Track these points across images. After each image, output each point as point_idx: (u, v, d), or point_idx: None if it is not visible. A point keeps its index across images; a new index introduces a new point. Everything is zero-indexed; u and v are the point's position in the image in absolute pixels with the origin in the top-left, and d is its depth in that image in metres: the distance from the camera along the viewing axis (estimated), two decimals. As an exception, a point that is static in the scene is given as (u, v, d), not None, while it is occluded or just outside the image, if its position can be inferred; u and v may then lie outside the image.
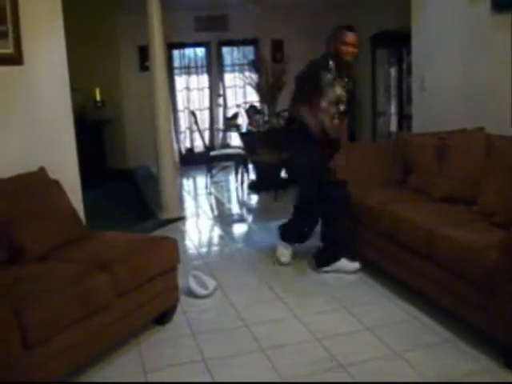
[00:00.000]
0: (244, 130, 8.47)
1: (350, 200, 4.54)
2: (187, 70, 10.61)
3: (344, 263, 4.57)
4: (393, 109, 9.46)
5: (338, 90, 4.45)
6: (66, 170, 4.43)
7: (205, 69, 10.69)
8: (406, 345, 3.32)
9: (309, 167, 4.48)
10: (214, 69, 10.66)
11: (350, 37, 4.27)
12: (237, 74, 10.78)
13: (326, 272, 4.57)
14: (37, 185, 3.83)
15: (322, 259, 4.63)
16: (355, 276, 4.49)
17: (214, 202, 7.86)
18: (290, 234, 4.82)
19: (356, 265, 4.56)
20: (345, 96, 4.50)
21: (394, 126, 9.41)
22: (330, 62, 4.41)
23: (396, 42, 8.76)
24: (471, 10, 4.76)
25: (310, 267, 4.70)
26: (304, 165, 4.52)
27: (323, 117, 4.41)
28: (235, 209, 7.57)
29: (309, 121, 4.37)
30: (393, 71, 9.34)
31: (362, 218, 4.53)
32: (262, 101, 8.75)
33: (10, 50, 4.02)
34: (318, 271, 4.61)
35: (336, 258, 4.58)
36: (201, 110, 10.61)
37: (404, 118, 8.75)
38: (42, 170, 4.01)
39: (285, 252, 4.81)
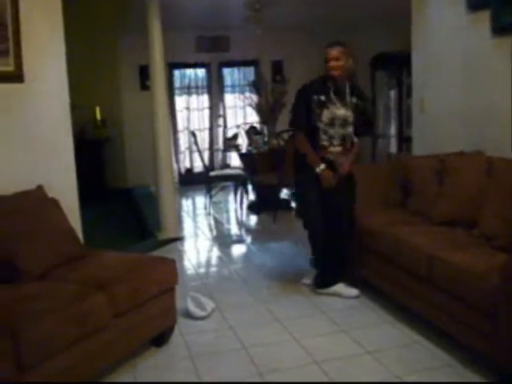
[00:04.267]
0: (244, 150, 8.48)
1: (352, 225, 4.48)
2: (187, 90, 10.65)
3: (342, 288, 4.51)
4: (392, 131, 9.48)
5: (338, 111, 4.33)
6: (65, 189, 4.40)
7: (205, 89, 10.73)
8: (406, 369, 3.28)
9: (311, 198, 4.43)
10: (215, 89, 10.71)
11: (328, 53, 4.28)
12: (237, 95, 10.83)
13: (322, 294, 4.54)
14: (35, 203, 3.80)
15: (320, 281, 4.58)
16: (355, 299, 4.45)
17: (212, 222, 7.83)
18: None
19: (354, 291, 4.49)
20: (350, 116, 4.37)
21: (393, 148, 9.43)
22: (327, 83, 4.35)
23: (395, 64, 8.79)
24: (471, 33, 4.77)
25: (309, 289, 4.66)
26: (305, 195, 4.49)
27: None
28: (234, 229, 7.54)
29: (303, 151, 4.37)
30: (392, 93, 9.37)
31: (361, 240, 4.51)
32: (262, 121, 8.77)
33: (10, 68, 4.02)
34: (315, 292, 4.58)
35: (334, 282, 4.53)
36: (201, 130, 10.63)
37: (404, 140, 8.76)
38: (40, 188, 3.99)
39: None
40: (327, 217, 4.38)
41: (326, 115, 4.29)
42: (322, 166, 4.30)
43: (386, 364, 3.35)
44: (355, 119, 4.41)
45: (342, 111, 4.33)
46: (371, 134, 4.39)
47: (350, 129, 4.40)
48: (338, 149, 4.38)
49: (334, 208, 4.38)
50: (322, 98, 4.29)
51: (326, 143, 4.35)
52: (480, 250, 3.50)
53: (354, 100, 4.41)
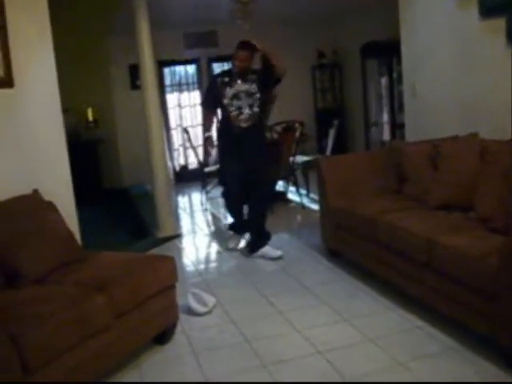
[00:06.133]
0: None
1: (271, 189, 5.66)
2: (178, 87, 10.62)
3: (268, 250, 5.39)
4: (385, 118, 9.48)
5: (240, 87, 5.36)
6: (61, 192, 4.40)
7: (196, 85, 10.70)
8: (409, 354, 3.29)
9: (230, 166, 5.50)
10: (206, 85, 10.64)
11: (236, 54, 5.30)
12: (228, 89, 10.79)
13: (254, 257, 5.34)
14: (31, 207, 3.80)
15: (251, 246, 5.51)
16: (355, 287, 4.47)
17: (210, 218, 7.83)
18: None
19: (278, 252, 5.33)
20: (253, 88, 5.37)
21: (386, 135, 9.43)
22: (232, 68, 5.44)
23: (385, 51, 8.79)
24: (460, 16, 4.78)
25: (241, 254, 5.42)
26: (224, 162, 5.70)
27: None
28: (231, 224, 7.52)
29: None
30: (383, 81, 9.37)
31: (357, 227, 4.52)
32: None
33: (0, 74, 4.00)
34: (248, 257, 5.44)
35: (261, 245, 5.42)
36: (193, 126, 10.60)
37: (397, 127, 8.76)
38: (35, 192, 3.99)
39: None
40: (245, 182, 5.46)
41: (229, 92, 5.36)
42: (208, 134, 5.80)
43: (389, 351, 3.36)
44: (261, 85, 5.40)
45: (245, 86, 5.37)
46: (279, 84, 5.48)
47: (256, 96, 5.40)
48: (249, 113, 5.39)
49: (249, 172, 5.42)
50: (226, 79, 5.39)
51: (235, 113, 5.40)
52: (477, 233, 3.51)
53: (254, 77, 5.39)
